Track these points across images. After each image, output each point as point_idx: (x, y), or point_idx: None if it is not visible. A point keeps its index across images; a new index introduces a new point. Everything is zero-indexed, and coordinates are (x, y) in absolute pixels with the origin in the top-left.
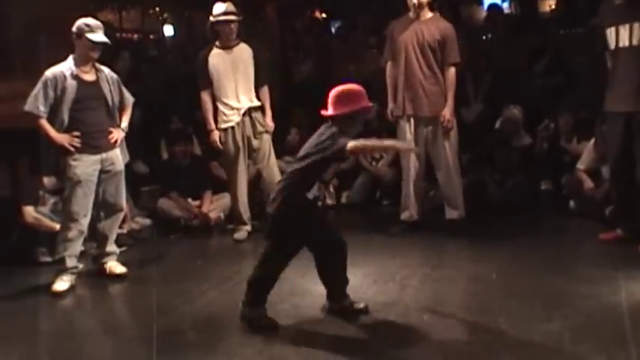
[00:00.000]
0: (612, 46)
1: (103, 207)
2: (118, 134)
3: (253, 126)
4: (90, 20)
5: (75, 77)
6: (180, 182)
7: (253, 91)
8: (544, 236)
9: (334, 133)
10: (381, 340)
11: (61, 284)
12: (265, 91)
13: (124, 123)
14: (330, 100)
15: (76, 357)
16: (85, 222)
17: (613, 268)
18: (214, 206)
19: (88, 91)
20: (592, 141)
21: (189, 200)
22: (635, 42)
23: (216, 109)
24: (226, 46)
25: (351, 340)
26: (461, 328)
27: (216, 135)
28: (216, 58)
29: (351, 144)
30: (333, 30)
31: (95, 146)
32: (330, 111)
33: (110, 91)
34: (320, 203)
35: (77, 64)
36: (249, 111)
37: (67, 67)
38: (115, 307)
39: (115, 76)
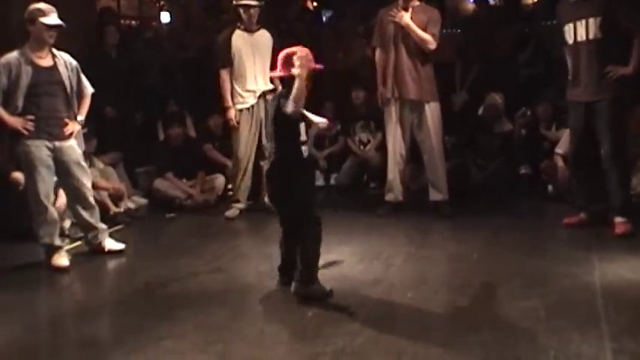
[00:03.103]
0: (571, 41)
1: (75, 199)
2: (73, 127)
3: (267, 109)
4: (42, 5)
5: (30, 63)
6: (175, 163)
7: (268, 75)
8: (523, 218)
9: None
10: (365, 316)
11: (61, 260)
12: None
13: (81, 116)
14: (281, 61)
15: (71, 328)
16: (50, 205)
17: (587, 250)
18: (207, 187)
19: (44, 77)
20: None
21: (184, 181)
22: (591, 36)
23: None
24: (248, 30)
25: (337, 317)
26: (443, 304)
27: (233, 113)
28: (239, 39)
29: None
30: (324, 19)
31: (48, 132)
32: (284, 72)
33: (69, 77)
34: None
35: (33, 49)
36: (264, 94)
37: (21, 52)
38: (111, 281)
39: (74, 62)
